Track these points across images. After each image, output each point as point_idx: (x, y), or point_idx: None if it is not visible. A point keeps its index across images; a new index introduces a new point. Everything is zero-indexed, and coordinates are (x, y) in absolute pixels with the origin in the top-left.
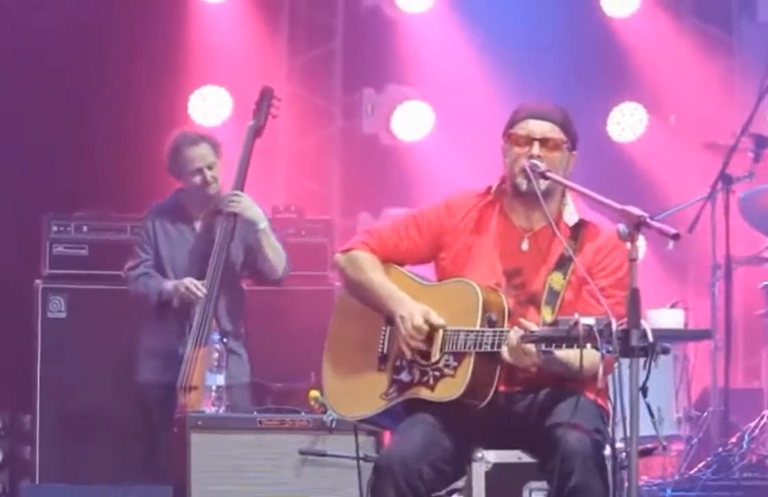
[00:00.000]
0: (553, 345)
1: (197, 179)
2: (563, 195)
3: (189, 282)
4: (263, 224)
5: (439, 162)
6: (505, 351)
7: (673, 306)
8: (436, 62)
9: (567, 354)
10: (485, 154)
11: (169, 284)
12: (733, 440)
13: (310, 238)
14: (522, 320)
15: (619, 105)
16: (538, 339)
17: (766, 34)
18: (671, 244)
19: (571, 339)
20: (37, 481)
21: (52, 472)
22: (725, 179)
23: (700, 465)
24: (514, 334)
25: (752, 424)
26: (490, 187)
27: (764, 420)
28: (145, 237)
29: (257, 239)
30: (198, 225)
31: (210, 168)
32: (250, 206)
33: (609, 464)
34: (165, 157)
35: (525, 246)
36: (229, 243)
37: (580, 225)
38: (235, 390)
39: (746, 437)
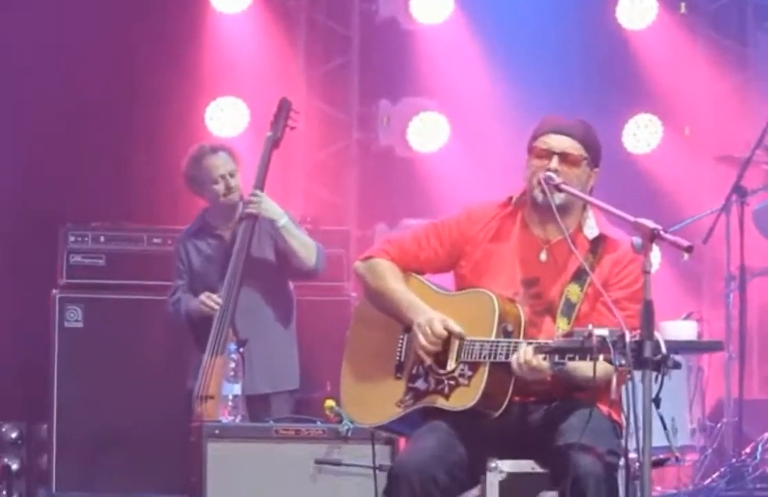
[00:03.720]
0: (566, 356)
1: (220, 187)
2: (584, 209)
3: (204, 295)
4: (283, 220)
5: (455, 173)
6: (513, 360)
7: (686, 317)
8: (452, 73)
9: (578, 365)
10: (500, 164)
11: (193, 302)
12: (747, 451)
13: (326, 248)
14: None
15: (634, 117)
16: (552, 351)
17: None
18: (686, 255)
19: (584, 350)
20: (53, 490)
21: (69, 481)
22: (739, 191)
23: (714, 475)
24: (526, 347)
25: (766, 435)
26: (510, 198)
27: None
28: (178, 263)
29: (281, 236)
30: (227, 236)
31: (231, 175)
32: (268, 205)
33: (622, 478)
34: (184, 173)
35: (543, 256)
36: (248, 246)
37: (600, 239)
38: (274, 398)
39: (760, 448)
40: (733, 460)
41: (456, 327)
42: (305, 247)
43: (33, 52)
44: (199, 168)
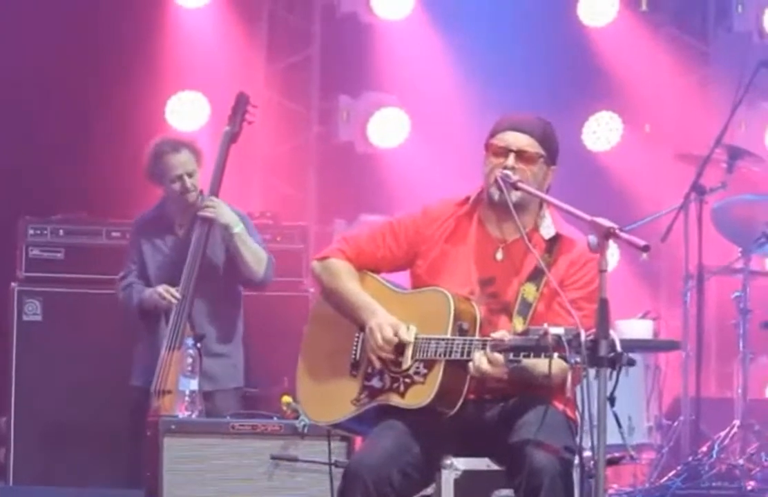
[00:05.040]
0: (521, 354)
1: (176, 186)
2: (541, 207)
3: (162, 288)
4: (238, 228)
5: (415, 169)
6: (471, 367)
7: (644, 316)
8: (413, 69)
9: (534, 364)
10: (460, 161)
11: (147, 292)
12: (704, 449)
13: (285, 244)
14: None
15: (594, 114)
16: (507, 349)
17: (741, 45)
18: (644, 254)
19: (540, 348)
20: (11, 483)
21: (27, 474)
22: (698, 189)
23: (671, 473)
24: (480, 355)
25: (722, 434)
26: (468, 197)
27: (734, 429)
28: (131, 248)
29: (233, 244)
30: (181, 232)
31: (190, 175)
32: (224, 212)
33: (577, 476)
34: (145, 163)
35: (500, 256)
36: (204, 248)
37: (556, 238)
38: (219, 396)
39: (716, 446)
40: (690, 459)
41: (405, 335)
42: (256, 258)
43: None
44: (158, 165)
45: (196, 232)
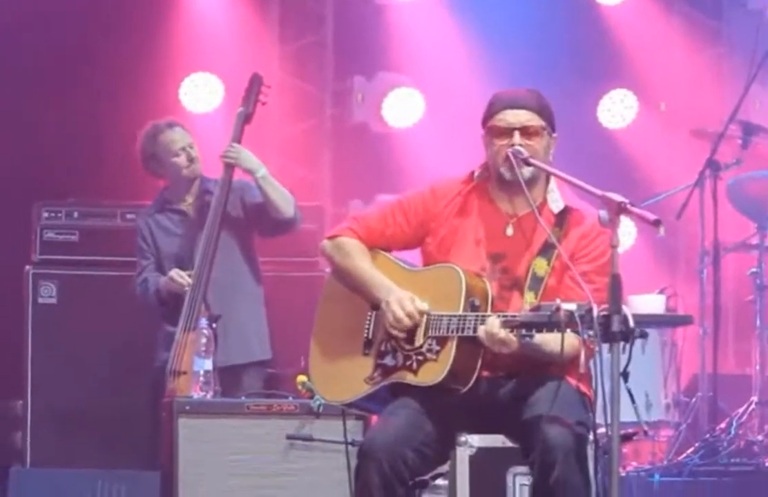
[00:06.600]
0: (533, 330)
1: (182, 159)
2: (548, 181)
3: (174, 272)
4: (262, 171)
5: (430, 149)
6: (481, 330)
7: (661, 292)
8: (427, 49)
9: (546, 339)
10: (475, 140)
11: (162, 280)
12: (722, 426)
13: (300, 224)
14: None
15: (609, 92)
16: (519, 325)
17: (755, 22)
18: (662, 230)
19: (552, 324)
20: (27, 466)
21: (43, 457)
22: (713, 166)
23: (689, 450)
24: (494, 319)
25: (740, 410)
26: (472, 173)
27: (752, 406)
28: (141, 242)
29: (260, 187)
30: (191, 211)
31: (191, 147)
32: (246, 156)
33: (591, 451)
34: (141, 153)
35: (510, 231)
36: (225, 202)
37: (565, 211)
38: (245, 369)
39: (734, 423)
40: (708, 435)
41: (421, 305)
42: (284, 198)
43: (5, 31)
44: (157, 144)
45: (219, 185)
